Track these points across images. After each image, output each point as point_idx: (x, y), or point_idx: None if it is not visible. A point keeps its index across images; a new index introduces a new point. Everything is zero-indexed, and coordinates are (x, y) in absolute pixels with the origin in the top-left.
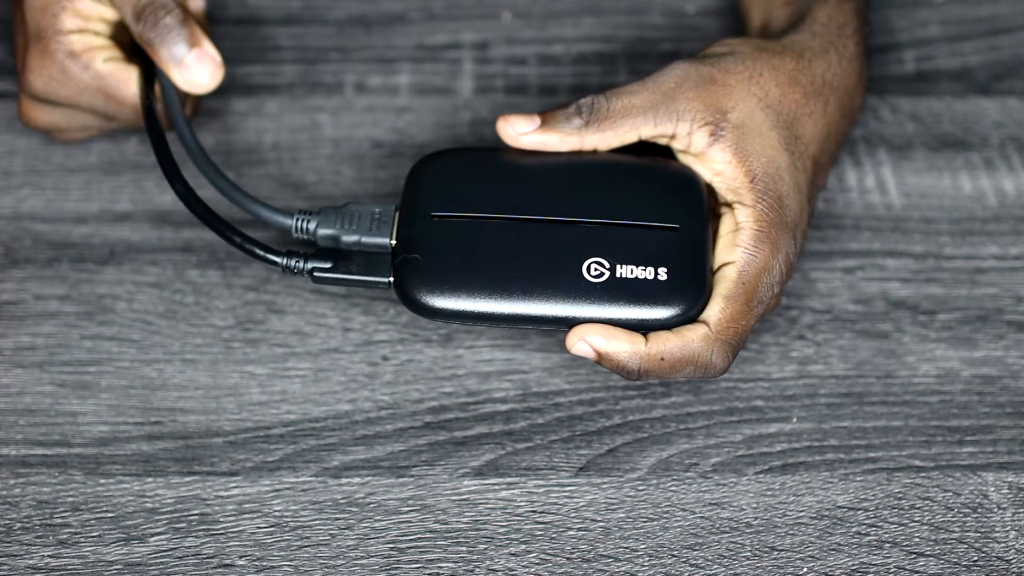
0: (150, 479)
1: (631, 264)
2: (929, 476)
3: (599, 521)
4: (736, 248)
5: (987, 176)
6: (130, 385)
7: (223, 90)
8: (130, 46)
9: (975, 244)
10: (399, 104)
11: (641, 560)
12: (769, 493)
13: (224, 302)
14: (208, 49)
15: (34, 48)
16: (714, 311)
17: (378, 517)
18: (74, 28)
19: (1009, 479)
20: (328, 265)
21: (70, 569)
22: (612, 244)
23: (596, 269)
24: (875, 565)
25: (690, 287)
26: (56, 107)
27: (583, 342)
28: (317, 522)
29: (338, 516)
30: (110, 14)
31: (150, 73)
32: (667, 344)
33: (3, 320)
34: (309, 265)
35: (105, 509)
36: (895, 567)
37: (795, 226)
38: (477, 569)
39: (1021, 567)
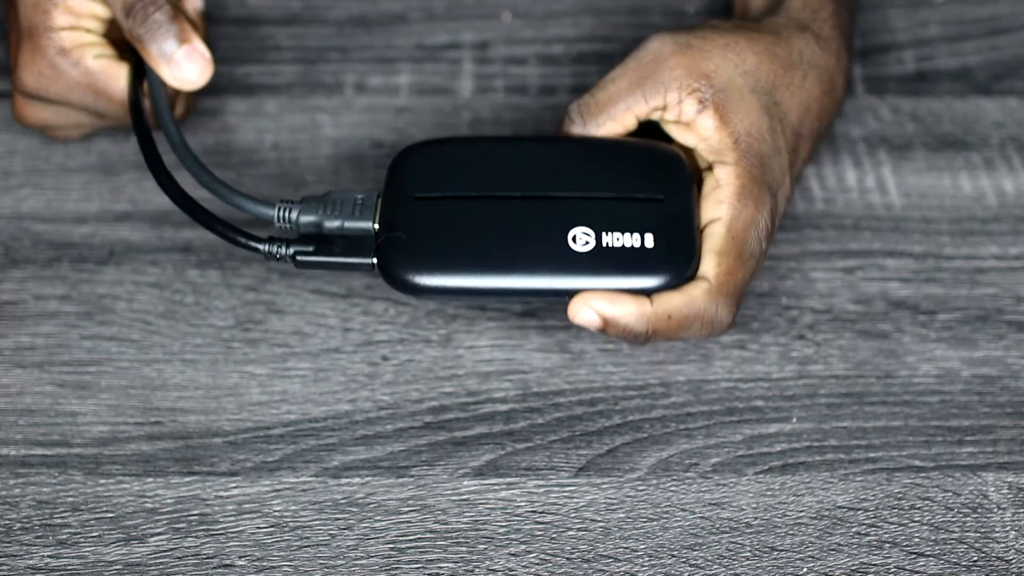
0: (150, 479)
1: (617, 232)
2: (929, 476)
3: (599, 521)
4: (721, 204)
5: (987, 176)
6: (130, 385)
7: (222, 90)
8: (123, 44)
9: (975, 244)
10: (399, 104)
11: (641, 560)
12: (769, 493)
13: (224, 302)
14: (198, 46)
15: (25, 45)
16: (710, 266)
17: (378, 517)
18: (65, 25)
19: (1009, 479)
20: (310, 249)
21: (70, 569)
22: (597, 215)
23: (582, 238)
24: (875, 565)
25: (679, 251)
26: (48, 104)
27: (588, 309)
28: (317, 522)
29: (338, 516)
30: (102, 11)
31: (141, 70)
32: (672, 302)
33: (3, 320)
34: (291, 250)
35: (105, 509)
36: (895, 567)
37: (777, 187)
38: (477, 569)
39: (1021, 567)
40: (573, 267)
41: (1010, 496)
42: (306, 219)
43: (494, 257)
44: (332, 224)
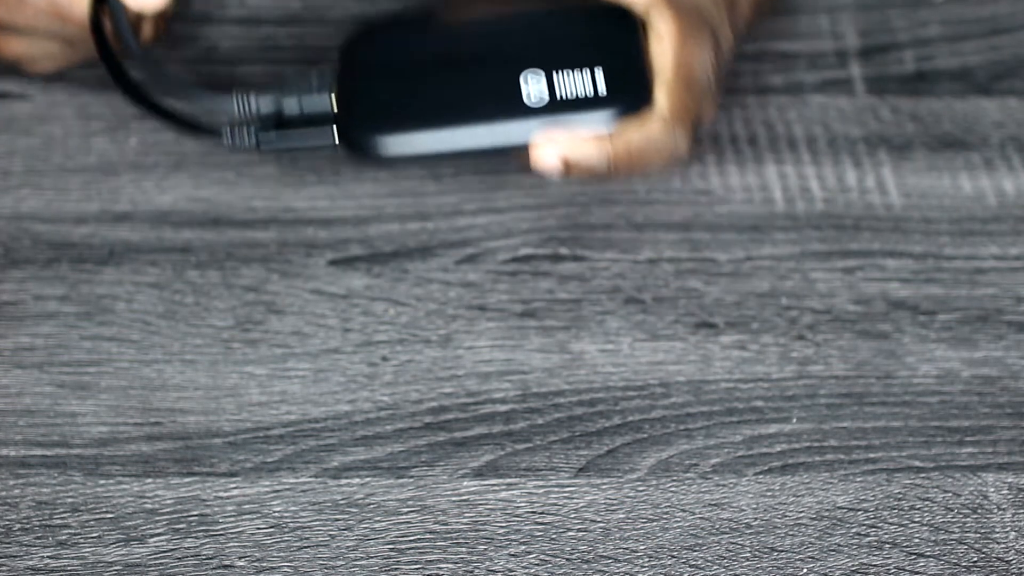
0: (149, 480)
1: (567, 70)
2: (929, 477)
3: (599, 522)
4: (661, 43)
5: (987, 176)
6: (129, 386)
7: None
8: None
9: (975, 244)
10: None
11: (641, 561)
12: (769, 494)
13: (223, 302)
14: None
15: None
16: (662, 99)
17: (378, 518)
18: None
19: (1009, 480)
20: (272, 134)
21: (70, 570)
22: (546, 52)
23: (535, 84)
24: (875, 566)
25: (632, 86)
26: (18, 35)
27: (549, 153)
28: (317, 523)
29: (338, 517)
30: None
31: None
32: (631, 137)
33: (2, 320)
34: (254, 136)
35: (105, 510)
36: (895, 568)
37: (716, 25)
38: (477, 570)
39: (1021, 568)
40: (529, 116)
41: (1010, 497)
42: (265, 103)
43: (452, 117)
44: (291, 104)
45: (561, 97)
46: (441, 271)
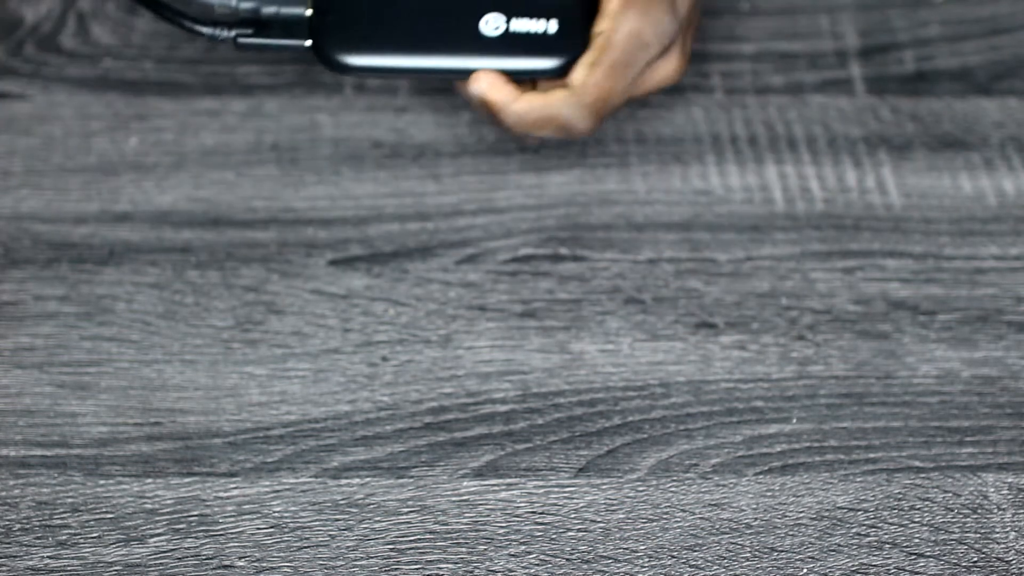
0: (149, 480)
1: (525, 17)
2: (929, 477)
3: (599, 522)
4: (603, 17)
5: (987, 176)
6: (129, 386)
7: (222, 90)
8: None
9: (975, 244)
10: (399, 104)
11: (641, 561)
12: (769, 494)
13: (223, 303)
14: None
15: None
16: (577, 75)
17: (378, 518)
18: None
19: (1009, 480)
20: (250, 32)
21: (70, 570)
22: (508, 4)
23: (493, 23)
24: (875, 566)
25: (575, 41)
26: None
27: (476, 86)
28: (317, 523)
29: (337, 517)
30: None
31: None
32: (532, 102)
33: (2, 321)
34: (232, 32)
35: (105, 510)
36: (895, 568)
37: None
38: (477, 570)
39: (1021, 568)
40: (481, 49)
41: (1010, 497)
42: (246, 4)
43: (414, 40)
44: (269, 9)
45: (513, 36)
46: (441, 271)
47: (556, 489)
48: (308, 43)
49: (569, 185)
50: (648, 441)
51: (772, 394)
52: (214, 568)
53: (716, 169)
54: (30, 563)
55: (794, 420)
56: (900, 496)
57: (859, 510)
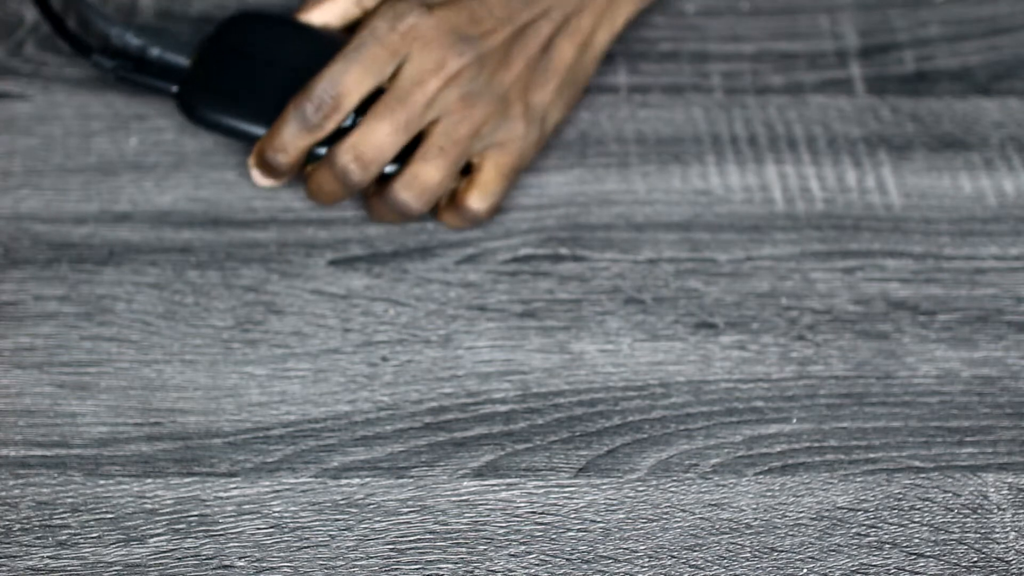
0: (149, 480)
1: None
2: (929, 477)
3: (599, 522)
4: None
5: (987, 176)
6: (129, 386)
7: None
8: None
9: (975, 244)
10: None
11: (641, 561)
12: (769, 494)
13: (223, 303)
14: None
15: None
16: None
17: (377, 518)
18: None
19: (1009, 480)
20: (131, 66)
21: (70, 570)
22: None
23: None
24: (875, 566)
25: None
26: None
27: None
28: (316, 523)
29: (337, 517)
30: None
31: None
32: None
33: (2, 321)
34: (116, 63)
35: (105, 510)
36: (895, 568)
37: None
38: (477, 570)
39: (1021, 568)
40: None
41: (1010, 497)
42: (135, 42)
43: (269, 111)
44: (154, 52)
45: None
46: (441, 271)
47: (556, 489)
48: (174, 88)
49: (569, 185)
50: (648, 441)
51: (772, 394)
52: (214, 568)
53: (716, 169)
54: (30, 563)
55: (794, 420)
56: (900, 496)
57: (859, 510)
